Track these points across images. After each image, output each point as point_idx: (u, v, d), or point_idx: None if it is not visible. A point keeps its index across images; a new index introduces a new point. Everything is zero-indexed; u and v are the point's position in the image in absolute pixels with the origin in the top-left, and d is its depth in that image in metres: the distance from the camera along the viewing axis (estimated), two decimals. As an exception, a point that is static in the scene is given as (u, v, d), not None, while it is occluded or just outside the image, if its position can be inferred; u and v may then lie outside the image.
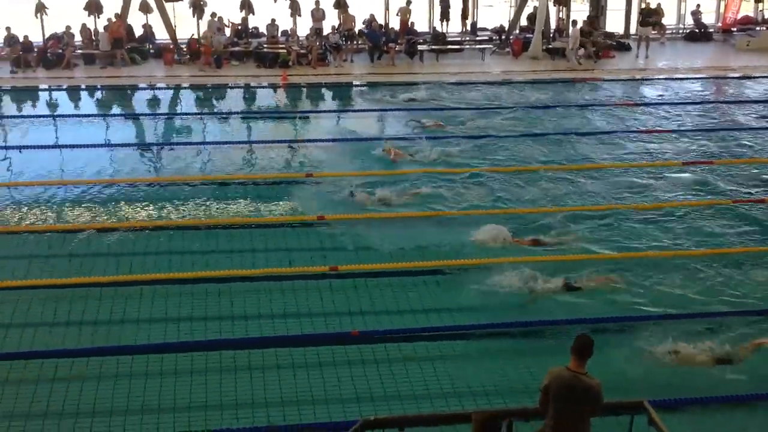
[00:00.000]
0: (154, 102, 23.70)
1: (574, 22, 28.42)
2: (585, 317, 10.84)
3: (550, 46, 29.04)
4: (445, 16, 30.63)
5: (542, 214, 14.48)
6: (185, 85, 25.22)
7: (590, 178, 16.48)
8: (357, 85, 25.48)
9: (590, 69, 27.07)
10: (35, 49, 26.28)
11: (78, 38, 27.23)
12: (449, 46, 29.50)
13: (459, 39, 30.62)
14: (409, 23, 29.48)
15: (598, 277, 11.96)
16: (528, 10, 30.77)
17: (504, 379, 9.70)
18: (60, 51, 26.41)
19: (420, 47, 28.69)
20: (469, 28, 31.46)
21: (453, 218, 14.31)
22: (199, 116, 21.97)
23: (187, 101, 24.23)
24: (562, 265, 12.34)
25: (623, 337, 10.44)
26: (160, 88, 24.73)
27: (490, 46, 30.01)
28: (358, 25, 29.35)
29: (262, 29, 28.84)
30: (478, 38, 30.78)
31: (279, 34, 28.47)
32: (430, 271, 12.39)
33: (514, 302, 11.37)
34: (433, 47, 28.93)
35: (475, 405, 8.94)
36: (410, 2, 29.17)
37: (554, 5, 30.55)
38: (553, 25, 29.96)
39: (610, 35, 30.73)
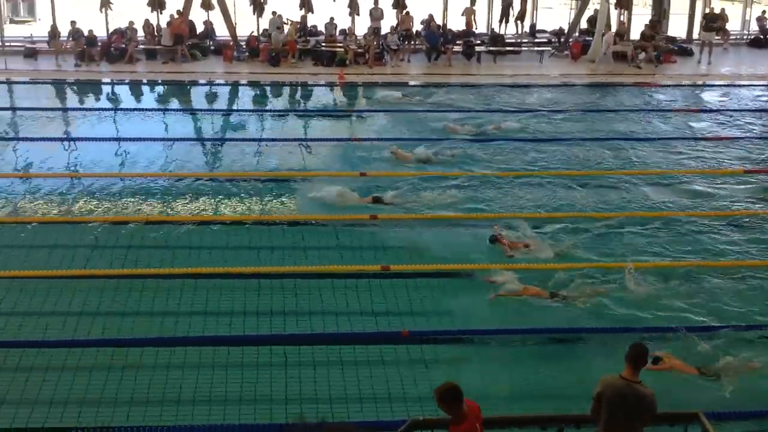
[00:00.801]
0: (212, 97, 23.98)
1: (608, 27, 28.15)
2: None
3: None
4: (505, 16, 30.47)
5: (593, 219, 14.29)
6: (243, 81, 25.47)
7: (650, 183, 16.24)
8: (413, 86, 25.47)
9: (651, 74, 26.65)
10: (99, 44, 26.82)
11: (141, 33, 27.72)
12: (507, 48, 29.31)
13: (517, 41, 30.42)
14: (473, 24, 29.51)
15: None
16: (588, 12, 30.43)
17: (555, 384, 9.59)
18: (123, 46, 26.91)
19: (477, 48, 28.56)
20: (527, 29, 31.24)
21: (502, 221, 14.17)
22: (256, 113, 22.17)
23: (245, 98, 24.42)
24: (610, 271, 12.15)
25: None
26: (218, 84, 25.03)
27: (549, 48, 29.74)
28: (417, 26, 29.35)
29: (321, 28, 29.02)
30: (536, 40, 30.54)
31: (337, 33, 28.61)
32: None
33: (563, 307, 11.24)
34: (491, 49, 28.77)
35: (522, 409, 8.86)
36: (474, 2, 29.05)
37: (615, 8, 30.17)
38: (613, 28, 29.57)
39: (672, 40, 30.22)
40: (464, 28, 29.68)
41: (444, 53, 27.83)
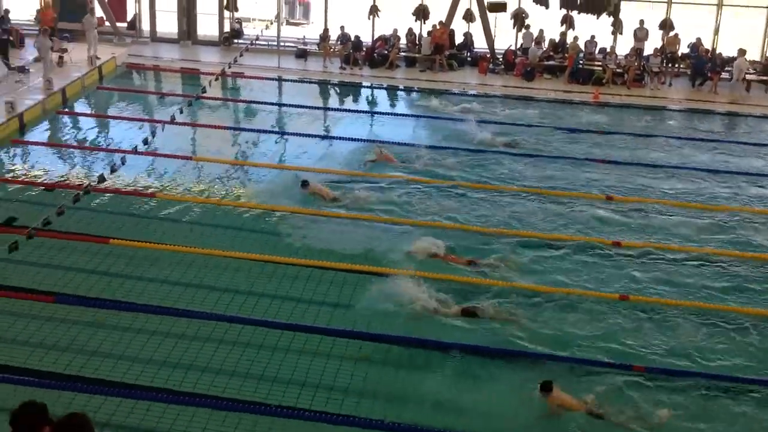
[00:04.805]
0: (468, 107, 23.95)
1: (742, 51, 25.17)
2: None
3: None
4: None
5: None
6: (497, 94, 25.51)
7: None
8: (671, 110, 24.35)
9: None
10: (364, 49, 28.12)
11: (403, 41, 28.71)
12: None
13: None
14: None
15: None
16: None
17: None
18: (386, 52, 28.02)
19: (748, 77, 26.69)
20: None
21: None
22: (504, 125, 21.88)
23: (497, 110, 24.24)
24: None
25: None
26: (470, 95, 25.25)
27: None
28: (683, 48, 27.99)
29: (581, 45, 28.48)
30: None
31: (596, 51, 27.98)
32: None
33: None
34: (763, 78, 26.79)
35: None
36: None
37: None
38: None
39: None
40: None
41: (710, 79, 26.31)
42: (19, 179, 16.53)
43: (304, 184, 15.66)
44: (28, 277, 12.34)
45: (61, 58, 23.93)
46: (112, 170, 15.63)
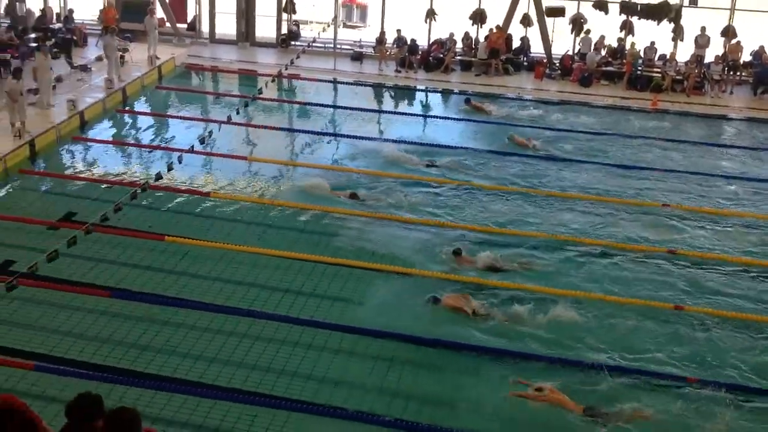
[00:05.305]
0: (521, 112, 23.79)
1: None
2: None
3: None
4: None
5: None
6: (554, 99, 25.28)
7: None
8: (732, 119, 23.86)
9: None
10: (419, 52, 28.11)
11: (459, 45, 28.62)
12: None
13: None
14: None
15: None
16: None
17: None
18: (441, 56, 27.96)
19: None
20: None
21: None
22: (559, 131, 21.70)
23: (554, 115, 23.99)
24: None
25: None
26: (525, 100, 25.05)
27: None
28: (745, 56, 27.39)
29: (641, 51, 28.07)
30: None
31: (656, 58, 27.54)
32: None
33: None
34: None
35: None
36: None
37: None
38: None
39: None
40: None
41: (773, 88, 25.73)
42: (79, 176, 16.93)
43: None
44: (85, 272, 12.61)
45: (122, 57, 24.42)
46: (169, 168, 15.88)
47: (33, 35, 25.68)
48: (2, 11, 28.45)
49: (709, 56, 26.98)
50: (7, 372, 9.73)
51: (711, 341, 11.36)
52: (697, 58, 26.68)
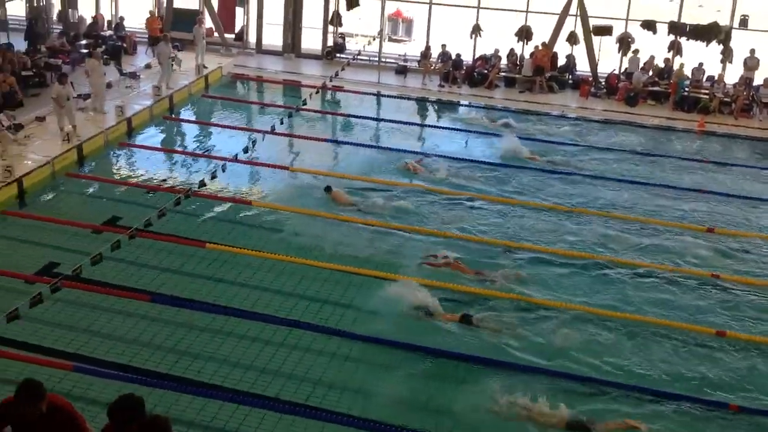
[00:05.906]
0: (566, 131, 23.61)
1: None
2: None
3: None
4: None
5: None
6: (595, 118, 25.07)
7: None
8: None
9: None
10: (464, 67, 28.10)
11: (504, 61, 28.56)
12: None
13: None
14: None
15: None
16: None
17: None
18: (485, 71, 27.93)
19: None
20: None
21: None
22: (603, 150, 21.56)
23: (597, 134, 23.77)
24: None
25: None
26: (569, 118, 24.85)
27: None
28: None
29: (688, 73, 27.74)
30: None
31: (704, 79, 27.20)
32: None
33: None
34: None
35: None
36: None
37: None
38: None
39: None
40: None
41: (825, 112, 25.25)
42: (125, 181, 17.19)
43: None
44: (127, 276, 12.78)
45: (171, 65, 24.74)
46: (213, 176, 16.04)
47: (84, 42, 26.20)
48: (55, 18, 29.04)
49: (758, 79, 26.57)
50: (48, 372, 9.87)
51: (754, 369, 11.17)
52: (746, 81, 26.32)
